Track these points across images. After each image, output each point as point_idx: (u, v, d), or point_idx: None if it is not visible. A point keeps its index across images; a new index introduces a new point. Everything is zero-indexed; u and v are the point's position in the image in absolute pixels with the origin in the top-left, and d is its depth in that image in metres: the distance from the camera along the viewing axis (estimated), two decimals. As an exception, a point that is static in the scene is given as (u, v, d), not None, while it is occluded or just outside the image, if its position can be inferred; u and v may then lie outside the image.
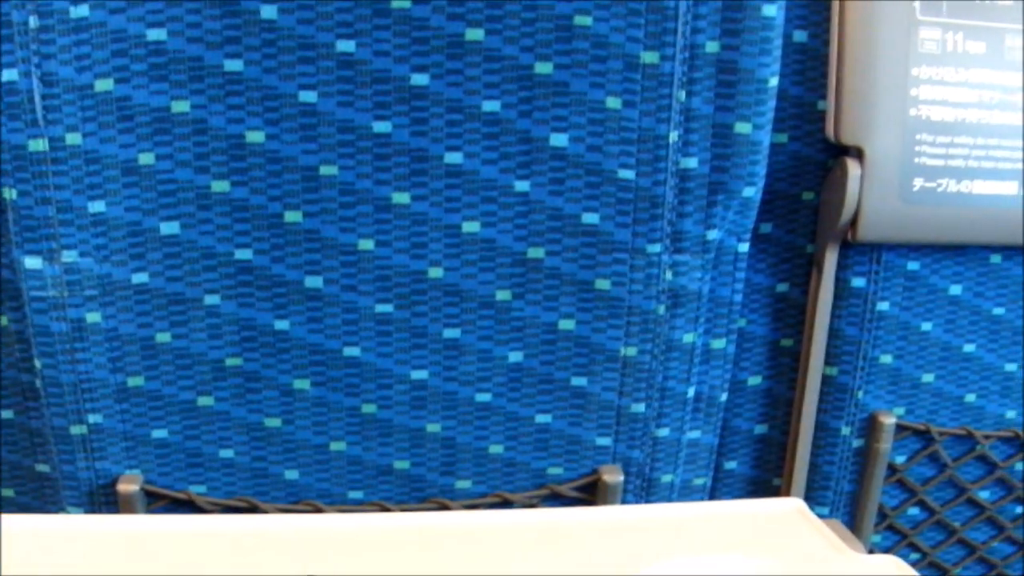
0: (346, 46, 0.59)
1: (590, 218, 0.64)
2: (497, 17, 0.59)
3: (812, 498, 0.81)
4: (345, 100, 0.60)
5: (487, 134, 0.61)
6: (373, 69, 0.59)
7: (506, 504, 0.70)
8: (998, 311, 0.79)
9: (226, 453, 0.66)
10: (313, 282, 0.63)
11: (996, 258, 0.77)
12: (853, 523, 0.82)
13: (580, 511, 0.62)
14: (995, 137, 0.72)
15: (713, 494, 0.79)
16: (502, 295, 0.65)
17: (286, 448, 0.66)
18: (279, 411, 0.66)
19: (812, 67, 0.71)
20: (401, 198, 0.62)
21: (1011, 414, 0.82)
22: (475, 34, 0.59)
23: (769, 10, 0.62)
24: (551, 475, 0.70)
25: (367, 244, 0.63)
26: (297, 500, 0.68)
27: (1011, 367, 0.81)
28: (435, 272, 0.64)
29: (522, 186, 0.63)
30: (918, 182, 0.71)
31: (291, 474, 0.67)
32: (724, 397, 0.73)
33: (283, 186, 0.60)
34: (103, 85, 0.57)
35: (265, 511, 0.67)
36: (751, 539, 0.58)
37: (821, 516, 0.78)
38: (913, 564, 0.83)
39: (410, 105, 0.60)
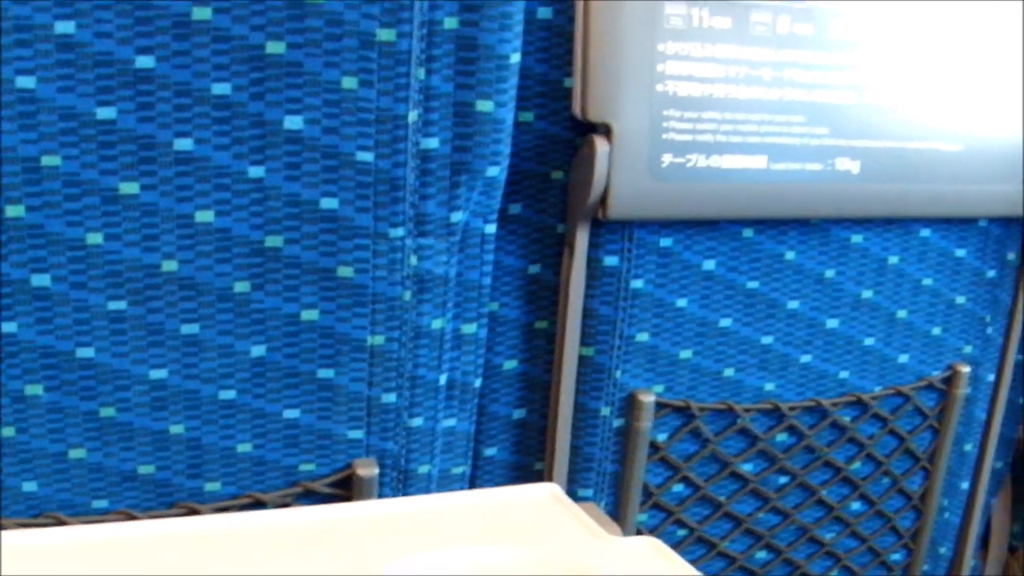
0: (65, 27, 0.58)
1: (329, 203, 0.65)
2: None
3: (575, 480, 0.85)
4: (66, 85, 0.59)
5: (218, 118, 0.62)
6: (95, 52, 0.59)
7: (258, 505, 0.71)
8: (752, 285, 0.84)
9: None
10: (40, 280, 0.62)
11: (748, 232, 0.83)
12: (618, 503, 0.86)
13: (334, 508, 0.63)
14: (743, 112, 0.77)
15: (473, 482, 0.82)
16: (240, 287, 0.66)
17: (22, 459, 0.66)
18: (11, 419, 0.65)
19: (557, 44, 0.74)
20: (129, 188, 0.62)
21: (769, 386, 0.89)
22: (202, 13, 0.60)
23: None
24: (303, 472, 0.71)
25: (95, 238, 0.62)
26: (38, 513, 0.67)
27: (767, 340, 0.87)
28: (169, 265, 0.64)
29: (256, 172, 0.64)
30: (667, 158, 0.75)
31: (29, 486, 0.66)
32: (478, 383, 0.76)
33: (3, 178, 0.60)
34: None
35: (4, 527, 0.66)
36: (505, 528, 0.60)
37: (585, 498, 0.84)
38: (680, 540, 0.90)
39: (135, 89, 0.60)
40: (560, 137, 0.76)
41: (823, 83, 0.80)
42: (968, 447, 1.05)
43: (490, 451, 0.83)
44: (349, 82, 0.64)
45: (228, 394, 0.68)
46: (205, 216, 0.64)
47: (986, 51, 0.87)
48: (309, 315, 0.68)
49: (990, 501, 1.13)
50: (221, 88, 0.62)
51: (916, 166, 0.85)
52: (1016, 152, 0.90)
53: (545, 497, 0.65)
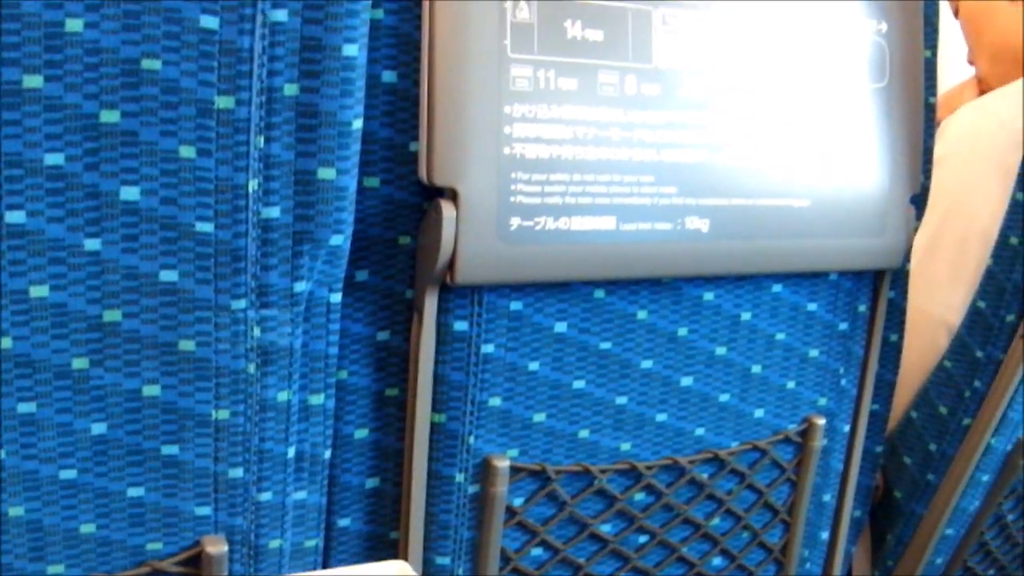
0: None
1: (168, 275, 0.65)
2: (57, 62, 0.60)
3: (432, 548, 0.85)
4: None
5: (51, 190, 0.61)
6: None
7: (105, 586, 0.69)
8: (605, 345, 0.86)
9: None
10: None
11: (600, 293, 0.84)
12: (475, 570, 0.86)
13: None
14: (591, 173, 0.79)
15: (327, 555, 0.82)
16: (79, 363, 0.65)
17: None
18: None
19: (403, 108, 0.75)
20: None
21: (625, 446, 0.90)
22: (33, 81, 0.59)
23: (350, 50, 0.66)
24: (151, 551, 0.71)
25: None
26: None
27: (622, 400, 0.88)
28: (4, 342, 0.63)
29: (92, 244, 0.63)
30: (515, 221, 0.76)
31: None
32: (328, 454, 0.76)
33: None
34: None
35: None
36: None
37: (443, 566, 0.85)
38: (541, 605, 0.91)
39: None
40: (407, 202, 0.77)
41: (672, 142, 0.82)
42: (826, 497, 1.08)
43: (343, 522, 0.83)
44: (187, 151, 0.64)
45: (69, 473, 0.67)
46: (40, 291, 0.63)
47: (832, 108, 0.91)
48: (151, 390, 0.68)
49: (850, 550, 1.17)
50: (54, 159, 0.61)
51: (766, 223, 0.88)
52: (863, 206, 0.94)
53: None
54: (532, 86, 0.77)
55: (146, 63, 0.62)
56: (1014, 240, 1.09)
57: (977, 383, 1.14)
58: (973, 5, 1.46)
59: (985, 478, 1.18)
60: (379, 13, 0.73)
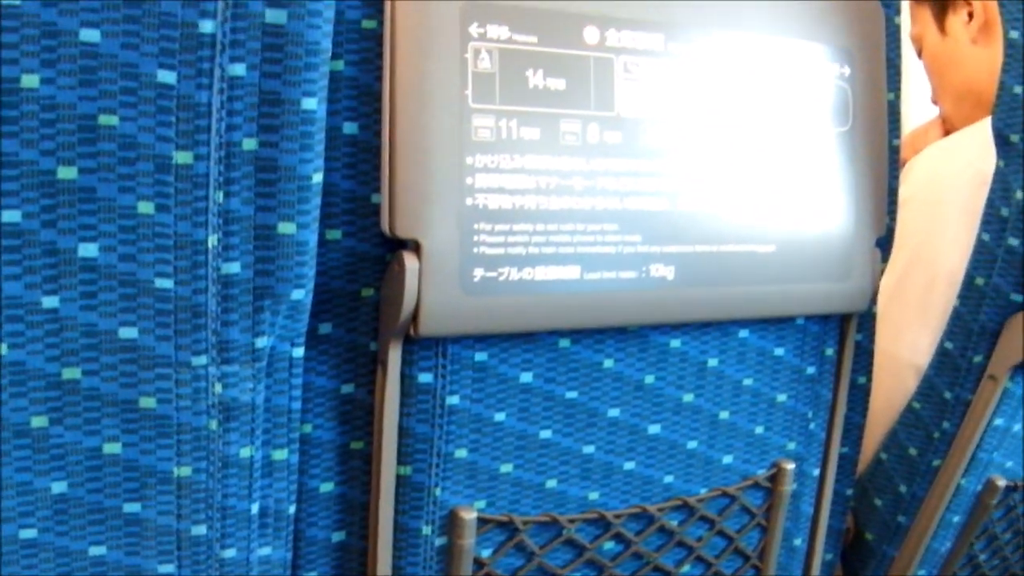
0: None
1: (128, 332, 0.65)
2: (13, 119, 0.60)
3: None
4: None
5: (8, 247, 0.62)
6: None
7: (67, 646, 0.69)
8: (571, 395, 0.86)
9: None
10: None
11: (565, 342, 0.85)
12: None
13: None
14: (555, 222, 0.79)
15: None
16: (38, 422, 0.65)
17: None
18: None
19: (364, 160, 0.75)
20: None
21: (594, 495, 0.90)
22: None
23: (309, 103, 0.66)
24: None
25: None
26: None
27: (589, 449, 0.88)
28: None
29: (51, 302, 0.63)
30: (478, 272, 0.76)
31: None
32: (293, 509, 0.75)
33: None
34: None
35: None
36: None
37: (411, 619, 0.84)
38: (510, 657, 0.91)
39: None
40: (369, 254, 0.77)
41: (635, 190, 0.83)
42: (797, 542, 1.08)
43: None
44: (145, 207, 0.64)
45: (29, 533, 0.67)
46: None
47: (796, 153, 0.91)
48: (111, 448, 0.67)
49: (823, 594, 1.17)
50: (10, 216, 0.62)
51: (731, 269, 0.88)
52: (829, 250, 0.94)
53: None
54: (494, 136, 0.77)
55: (103, 119, 0.62)
56: (980, 281, 1.10)
57: (946, 424, 1.15)
58: (936, 46, 1.48)
59: (956, 519, 1.18)
60: (339, 65, 0.73)
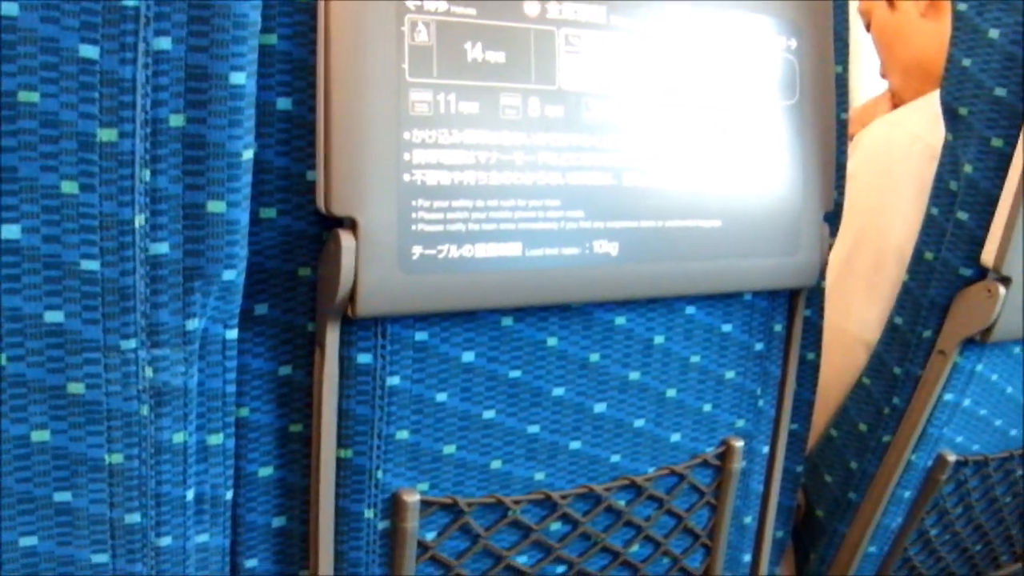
0: None
1: (54, 316, 0.64)
2: None
3: None
4: None
5: None
6: None
7: (-2, 640, 0.68)
8: (515, 374, 0.85)
9: None
10: None
11: (508, 320, 0.84)
12: None
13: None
14: (495, 198, 0.78)
15: None
16: None
17: None
18: None
19: (298, 136, 0.74)
20: None
21: (539, 476, 0.90)
22: None
23: (237, 78, 0.64)
24: None
25: None
26: None
27: (534, 429, 0.88)
28: None
29: None
30: (417, 250, 0.75)
31: None
32: (230, 494, 0.74)
33: None
34: None
35: None
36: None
37: (355, 605, 0.84)
38: (456, 640, 0.90)
39: None
40: (306, 232, 0.76)
41: (577, 165, 0.82)
42: (747, 519, 1.08)
43: (251, 563, 0.81)
44: (69, 187, 0.62)
45: None
46: None
47: (742, 126, 0.91)
48: (39, 436, 0.66)
49: (773, 571, 1.17)
50: None
51: (676, 244, 0.88)
52: (776, 225, 0.94)
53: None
54: (432, 111, 0.76)
55: (23, 95, 0.60)
56: (929, 255, 1.10)
57: (896, 399, 1.15)
58: (885, 19, 1.48)
59: (907, 494, 1.19)
60: (272, 39, 0.72)
